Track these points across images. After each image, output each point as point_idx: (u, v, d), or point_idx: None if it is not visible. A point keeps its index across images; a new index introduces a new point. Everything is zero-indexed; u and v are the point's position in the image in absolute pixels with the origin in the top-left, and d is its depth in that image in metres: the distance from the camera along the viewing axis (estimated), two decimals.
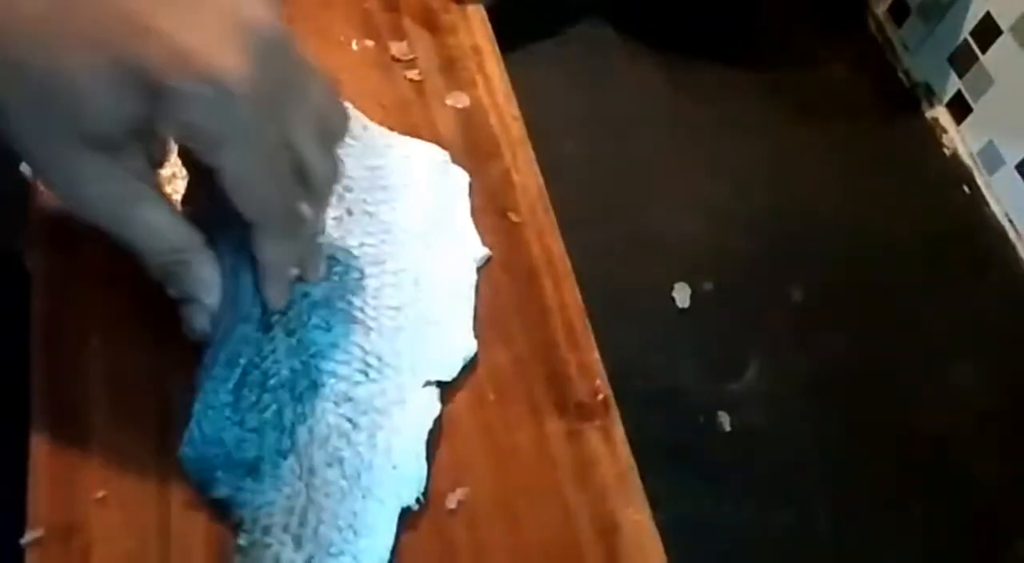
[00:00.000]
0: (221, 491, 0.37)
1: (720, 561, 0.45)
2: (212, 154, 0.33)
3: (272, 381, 0.39)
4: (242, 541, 0.36)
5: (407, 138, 0.49)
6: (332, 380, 0.40)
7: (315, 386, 0.39)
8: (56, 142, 0.32)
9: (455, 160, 0.50)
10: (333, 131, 0.38)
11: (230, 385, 0.38)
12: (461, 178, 0.49)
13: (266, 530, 0.36)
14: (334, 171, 0.39)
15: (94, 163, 0.33)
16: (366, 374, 0.40)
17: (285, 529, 0.37)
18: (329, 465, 0.38)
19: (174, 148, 0.39)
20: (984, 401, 0.53)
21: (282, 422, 0.38)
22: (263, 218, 0.36)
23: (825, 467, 0.49)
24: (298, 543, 0.36)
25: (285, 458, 0.38)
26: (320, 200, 0.39)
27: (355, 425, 0.39)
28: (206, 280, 0.37)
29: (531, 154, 0.52)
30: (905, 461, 0.50)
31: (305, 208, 0.38)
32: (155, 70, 0.30)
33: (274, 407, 0.39)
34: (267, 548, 0.36)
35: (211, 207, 0.38)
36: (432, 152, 0.49)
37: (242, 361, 0.39)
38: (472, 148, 0.51)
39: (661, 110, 0.60)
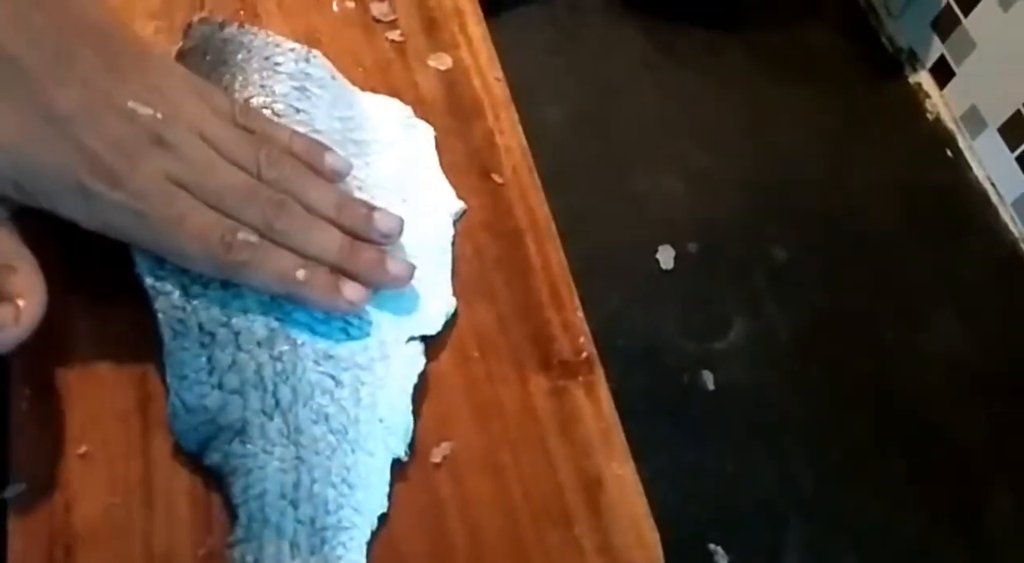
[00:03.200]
0: (212, 457, 0.37)
1: (702, 513, 0.45)
2: None
3: (245, 340, 0.38)
4: (241, 519, 0.36)
5: (369, 93, 0.49)
6: (311, 338, 0.39)
7: (294, 344, 0.39)
8: None
9: (438, 121, 0.50)
10: (224, 110, 0.39)
11: (198, 348, 0.38)
12: (427, 132, 0.48)
13: (260, 496, 0.36)
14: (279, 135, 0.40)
15: None
16: (346, 332, 0.40)
17: (282, 495, 0.36)
18: (315, 422, 0.38)
19: None
20: (965, 358, 0.53)
21: (263, 382, 0.38)
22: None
23: (807, 424, 0.49)
24: (295, 506, 0.36)
25: (271, 419, 0.38)
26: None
27: (337, 382, 0.39)
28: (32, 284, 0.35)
29: (514, 115, 0.52)
30: (886, 417, 0.50)
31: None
32: None
33: (253, 367, 0.38)
34: (266, 524, 0.36)
35: None
36: (396, 107, 0.48)
37: (199, 321, 0.38)
38: (455, 109, 0.51)
39: (644, 73, 0.60)
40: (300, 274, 0.38)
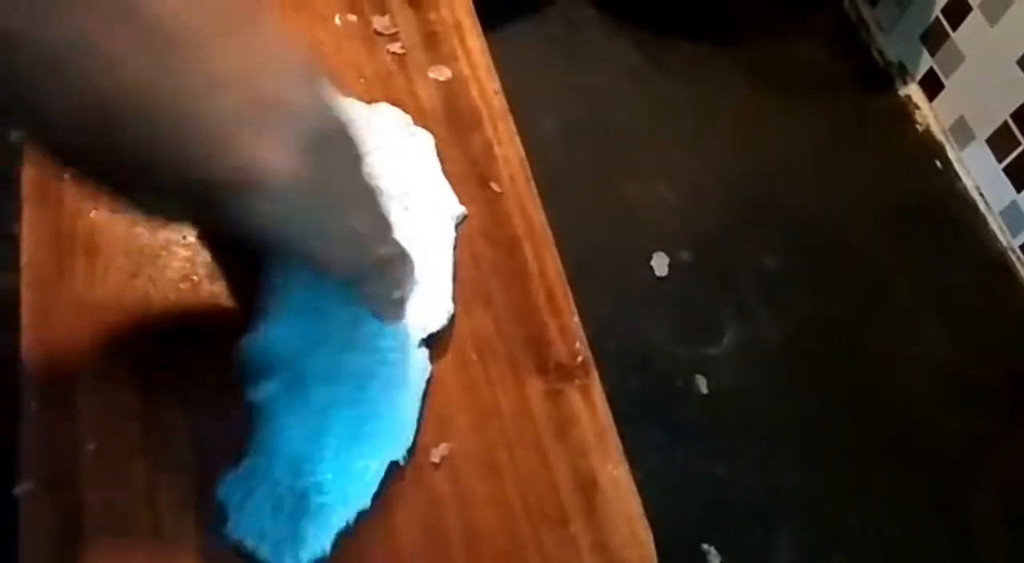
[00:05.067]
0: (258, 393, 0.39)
1: (694, 514, 0.46)
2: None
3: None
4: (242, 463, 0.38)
5: (370, 104, 0.50)
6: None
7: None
8: None
9: (438, 131, 0.51)
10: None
11: None
12: (427, 140, 0.50)
13: (269, 454, 0.39)
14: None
15: None
16: (384, 356, 0.41)
17: (290, 461, 0.38)
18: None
19: None
20: (950, 364, 0.54)
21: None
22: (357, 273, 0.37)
23: (796, 427, 0.50)
24: (296, 472, 0.38)
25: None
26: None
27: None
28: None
29: (512, 126, 0.53)
30: (872, 420, 0.51)
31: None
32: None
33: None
34: (260, 480, 0.38)
35: None
36: (396, 116, 0.50)
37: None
38: (454, 120, 0.52)
39: (638, 86, 0.61)
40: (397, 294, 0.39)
